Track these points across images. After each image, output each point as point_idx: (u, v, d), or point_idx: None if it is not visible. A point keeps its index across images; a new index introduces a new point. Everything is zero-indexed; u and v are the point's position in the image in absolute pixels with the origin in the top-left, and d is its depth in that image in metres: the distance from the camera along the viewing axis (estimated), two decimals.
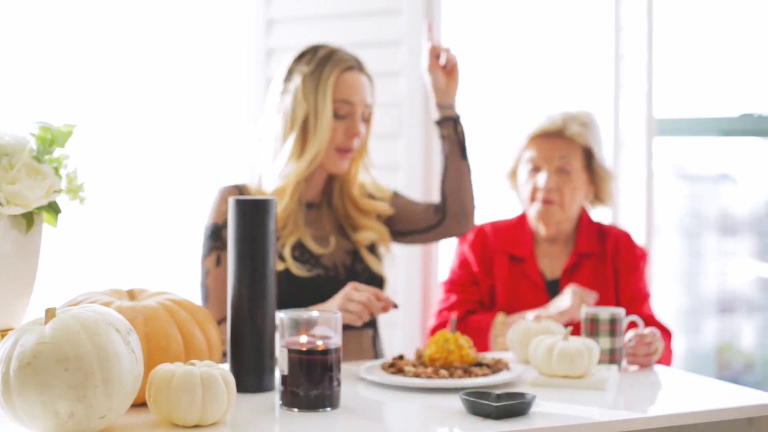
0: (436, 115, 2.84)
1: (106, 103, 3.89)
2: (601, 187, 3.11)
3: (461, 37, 3.62)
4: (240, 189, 2.77)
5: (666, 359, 2.91)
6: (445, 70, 2.81)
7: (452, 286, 3.11)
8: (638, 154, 3.67)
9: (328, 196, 2.87)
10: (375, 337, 2.87)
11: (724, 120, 4.50)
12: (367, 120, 2.81)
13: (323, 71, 2.75)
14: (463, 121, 2.83)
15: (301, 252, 2.75)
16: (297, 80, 2.75)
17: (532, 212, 3.06)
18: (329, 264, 2.79)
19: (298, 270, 2.71)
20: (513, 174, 3.14)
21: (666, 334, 2.96)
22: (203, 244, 2.73)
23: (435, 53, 2.80)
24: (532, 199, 3.06)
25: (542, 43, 3.77)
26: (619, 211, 3.67)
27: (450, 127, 2.83)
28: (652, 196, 3.67)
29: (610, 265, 3.06)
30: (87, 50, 3.89)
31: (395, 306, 2.50)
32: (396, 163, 3.44)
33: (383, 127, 3.39)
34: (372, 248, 2.86)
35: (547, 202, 3.03)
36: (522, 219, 3.14)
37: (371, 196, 2.89)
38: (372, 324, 2.85)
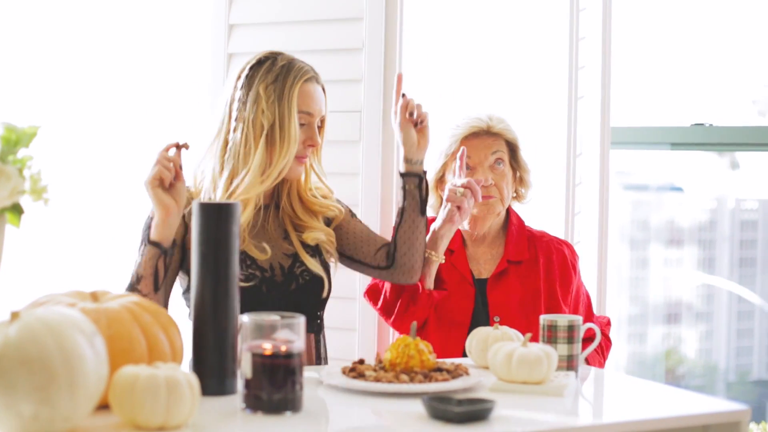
0: (402, 167, 2.90)
1: (70, 105, 3.86)
2: (523, 181, 3.19)
3: (421, 46, 3.64)
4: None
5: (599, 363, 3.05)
6: (416, 126, 2.87)
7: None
8: (593, 164, 3.70)
9: (276, 198, 2.89)
10: (318, 342, 2.89)
11: (675, 129, 4.55)
12: (320, 128, 2.86)
13: (286, 81, 2.77)
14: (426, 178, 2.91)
15: (242, 258, 2.77)
16: (259, 89, 2.77)
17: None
18: (266, 266, 2.80)
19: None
20: (438, 183, 3.18)
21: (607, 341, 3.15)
22: (140, 235, 2.76)
23: (408, 109, 2.85)
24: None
25: (501, 52, 3.79)
26: (573, 220, 3.70)
27: (415, 183, 2.89)
28: (607, 205, 3.71)
29: (543, 275, 3.11)
30: (50, 53, 3.87)
31: (180, 146, 2.60)
32: (355, 169, 3.44)
33: (343, 134, 3.40)
34: (315, 252, 2.87)
35: (487, 197, 3.08)
36: None
37: (321, 197, 2.93)
38: (316, 329, 2.87)
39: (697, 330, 5.85)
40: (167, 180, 2.57)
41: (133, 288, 2.64)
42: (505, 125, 3.14)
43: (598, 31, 3.67)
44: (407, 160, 2.89)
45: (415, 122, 2.86)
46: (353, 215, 3.02)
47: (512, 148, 3.16)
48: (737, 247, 5.82)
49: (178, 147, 2.61)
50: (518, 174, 3.18)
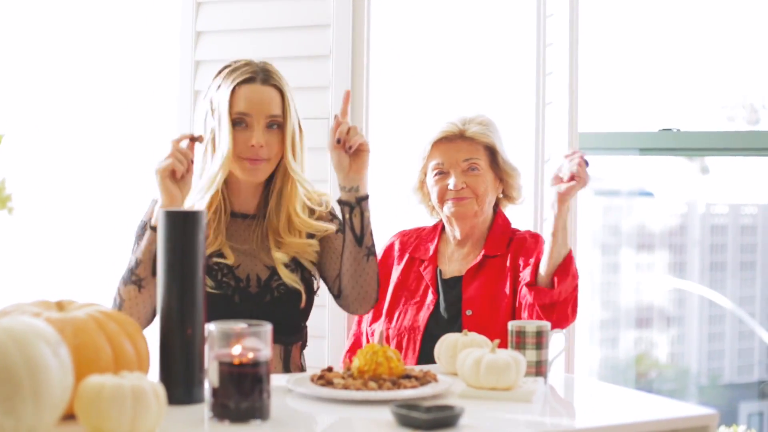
0: (339, 194, 2.82)
1: (36, 113, 3.85)
2: (508, 183, 3.16)
3: (388, 52, 3.64)
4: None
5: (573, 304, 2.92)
6: (348, 150, 2.77)
7: None
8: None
9: (264, 209, 2.87)
10: (289, 353, 2.88)
11: (643, 135, 4.56)
12: (280, 128, 2.80)
13: (222, 85, 2.80)
14: (365, 204, 2.78)
15: (217, 266, 2.77)
16: (209, 95, 2.82)
17: (446, 213, 3.10)
18: (242, 276, 2.79)
19: (207, 284, 2.71)
20: (421, 185, 3.17)
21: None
22: (133, 239, 2.80)
23: (337, 135, 2.76)
24: (442, 201, 3.08)
25: (469, 58, 3.80)
26: (542, 225, 3.70)
27: (347, 212, 2.80)
28: (576, 210, 3.71)
29: (511, 264, 3.08)
30: (15, 61, 3.85)
31: (195, 138, 2.66)
32: (325, 176, 3.44)
33: (311, 141, 3.39)
34: (297, 265, 2.86)
35: (460, 199, 3.06)
36: (435, 227, 3.19)
37: (312, 212, 2.90)
38: (296, 341, 2.86)
39: (669, 334, 5.86)
40: (179, 173, 2.63)
41: (130, 273, 2.68)
42: (481, 129, 3.09)
43: (566, 37, 3.68)
44: (341, 187, 2.80)
45: (345, 148, 2.75)
46: (340, 230, 2.91)
47: (491, 152, 3.12)
48: (708, 252, 5.84)
49: (192, 140, 2.67)
50: (501, 177, 3.15)
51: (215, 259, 2.79)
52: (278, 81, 2.81)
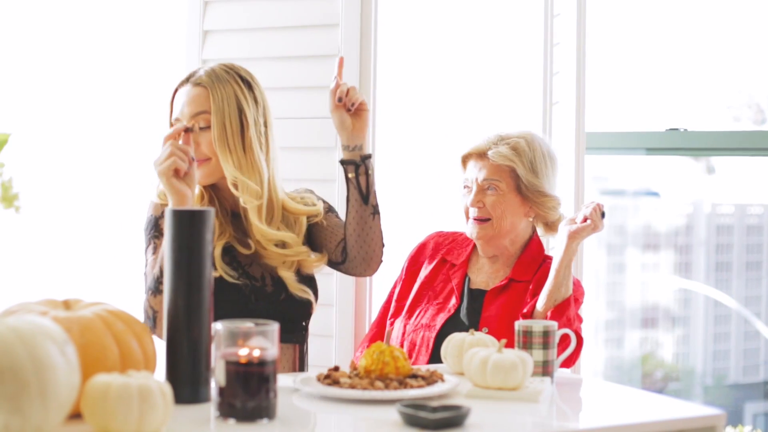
0: (341, 154, 2.83)
1: (43, 112, 3.86)
2: (540, 214, 3.10)
3: (396, 52, 3.64)
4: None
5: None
6: (350, 110, 2.79)
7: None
8: (568, 169, 3.70)
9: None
10: (303, 353, 2.87)
11: (650, 135, 4.56)
12: (208, 126, 2.75)
13: None
14: (369, 163, 2.81)
15: (230, 258, 2.76)
16: None
17: (469, 233, 3.10)
18: (257, 275, 2.79)
19: (228, 274, 2.71)
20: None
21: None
22: (144, 239, 2.75)
23: (337, 95, 2.77)
24: (467, 218, 3.09)
25: (476, 58, 3.80)
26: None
27: (352, 171, 2.82)
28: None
29: (533, 289, 3.05)
30: (23, 60, 3.86)
31: (188, 129, 2.65)
32: (332, 176, 3.44)
33: (318, 140, 3.40)
34: (299, 275, 2.85)
35: (477, 220, 3.06)
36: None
37: (296, 210, 2.89)
38: (301, 339, 2.87)
39: (674, 334, 5.86)
40: (183, 170, 2.58)
41: (158, 283, 2.60)
42: (505, 151, 3.03)
43: (573, 37, 3.67)
44: (344, 147, 2.81)
45: (346, 107, 2.78)
46: (330, 210, 2.96)
47: (515, 176, 3.06)
48: (713, 252, 5.84)
49: (186, 131, 2.64)
50: (531, 204, 3.09)
51: (233, 245, 2.78)
52: (205, 79, 2.77)
